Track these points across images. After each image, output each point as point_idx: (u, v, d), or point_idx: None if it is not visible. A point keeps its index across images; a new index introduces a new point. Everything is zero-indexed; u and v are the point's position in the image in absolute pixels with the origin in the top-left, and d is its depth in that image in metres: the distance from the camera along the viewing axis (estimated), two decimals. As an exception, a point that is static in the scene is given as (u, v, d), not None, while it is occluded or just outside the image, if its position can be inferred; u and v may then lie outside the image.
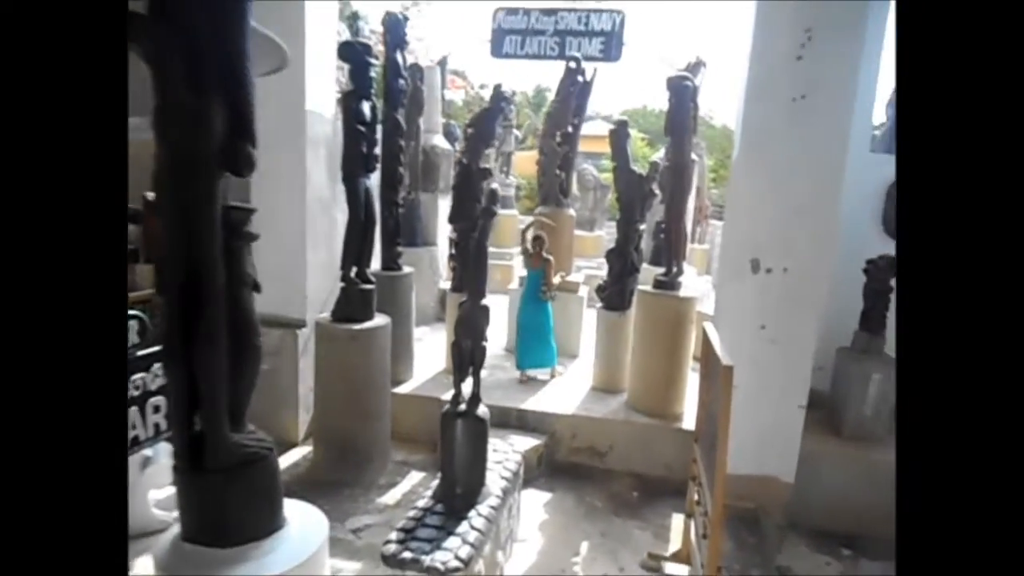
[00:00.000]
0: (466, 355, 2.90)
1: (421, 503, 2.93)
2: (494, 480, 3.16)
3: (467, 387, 3.03)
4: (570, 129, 6.20)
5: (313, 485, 4.15)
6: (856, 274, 4.44)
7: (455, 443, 2.93)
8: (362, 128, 4.06)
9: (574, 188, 8.75)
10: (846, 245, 4.38)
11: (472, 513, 2.85)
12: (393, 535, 2.68)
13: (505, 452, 3.55)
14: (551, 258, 5.35)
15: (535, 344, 5.37)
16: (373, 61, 4.10)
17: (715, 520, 2.41)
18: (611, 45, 7.10)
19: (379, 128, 4.63)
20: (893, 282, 4.43)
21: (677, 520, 3.95)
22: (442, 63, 10.69)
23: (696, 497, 3.08)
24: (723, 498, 2.40)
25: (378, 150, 4.22)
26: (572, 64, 6.02)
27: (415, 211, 7.26)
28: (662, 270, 4.82)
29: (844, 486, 4.19)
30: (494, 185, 3.17)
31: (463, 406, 2.95)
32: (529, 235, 5.38)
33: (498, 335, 6.61)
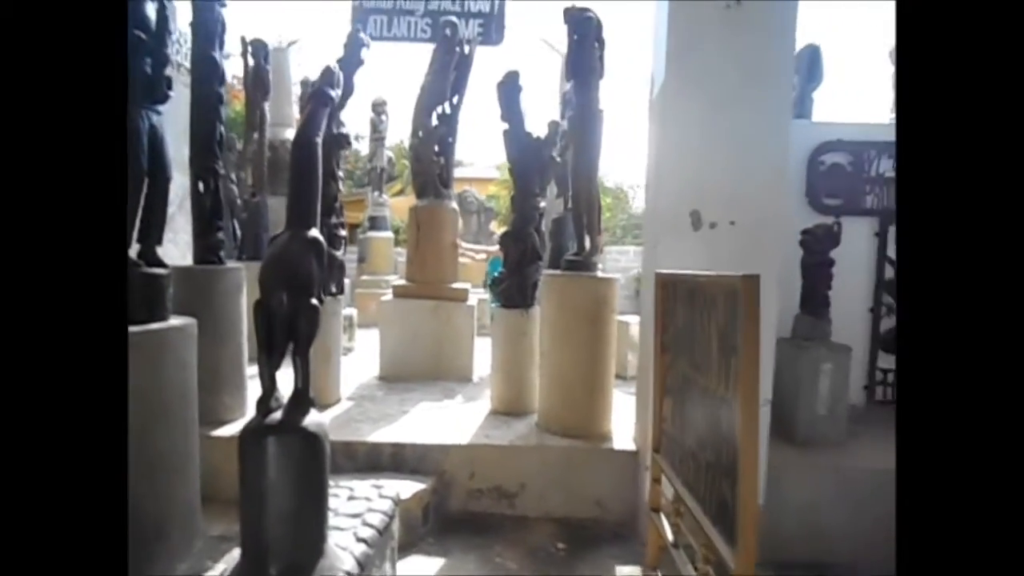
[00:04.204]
0: (280, 322, 1.64)
1: (199, 604, 1.57)
2: (344, 545, 1.87)
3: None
4: (448, 109, 5.20)
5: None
6: (787, 251, 3.75)
7: (264, 482, 1.63)
8: (142, 36, 2.75)
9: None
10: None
11: (298, 610, 1.54)
12: None
13: (367, 499, 2.27)
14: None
15: None
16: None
17: (743, 565, 1.30)
18: (491, 27, 6.29)
19: (185, 52, 3.33)
20: (834, 254, 3.82)
21: (625, 576, 2.83)
22: (304, 83, 9.44)
23: (671, 537, 1.98)
24: (755, 524, 1.31)
25: (171, 73, 2.90)
26: (447, 31, 5.07)
27: (261, 217, 5.86)
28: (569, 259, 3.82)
29: (807, 503, 3.30)
30: (331, 65, 2.01)
31: (277, 415, 1.67)
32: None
33: (371, 364, 5.32)
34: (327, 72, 1.96)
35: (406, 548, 2.87)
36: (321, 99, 1.85)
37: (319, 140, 1.79)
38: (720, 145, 3.00)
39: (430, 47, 5.49)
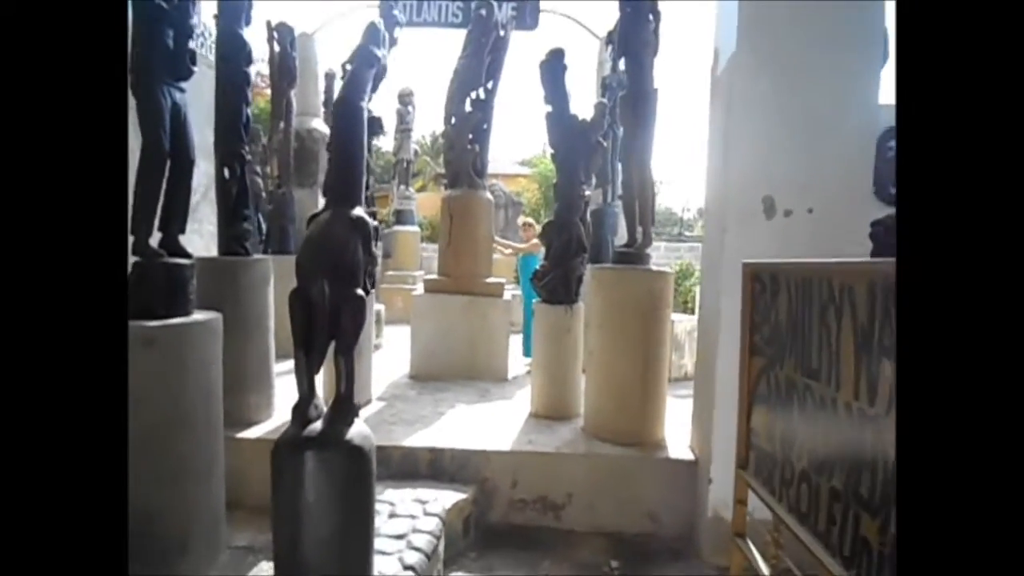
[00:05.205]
0: (321, 315, 1.39)
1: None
2: (390, 569, 1.62)
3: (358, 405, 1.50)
4: (483, 94, 4.94)
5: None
6: (850, 249, 3.43)
7: (301, 504, 1.38)
8: (164, 5, 2.53)
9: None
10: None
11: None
12: None
13: (412, 516, 2.02)
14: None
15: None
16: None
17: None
18: (525, 11, 6.02)
19: (210, 45, 3.12)
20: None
21: (692, 603, 2.55)
22: (329, 76, 9.27)
23: (766, 571, 1.69)
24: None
25: (195, 47, 2.68)
26: (483, 11, 4.81)
27: (287, 209, 5.65)
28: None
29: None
30: (375, 21, 1.76)
31: (317, 425, 1.42)
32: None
33: (400, 362, 5.11)
34: (372, 29, 1.71)
35: (447, 564, 2.63)
36: (366, 59, 1.59)
37: (364, 104, 1.54)
38: (798, 125, 2.72)
39: (458, 34, 5.25)
